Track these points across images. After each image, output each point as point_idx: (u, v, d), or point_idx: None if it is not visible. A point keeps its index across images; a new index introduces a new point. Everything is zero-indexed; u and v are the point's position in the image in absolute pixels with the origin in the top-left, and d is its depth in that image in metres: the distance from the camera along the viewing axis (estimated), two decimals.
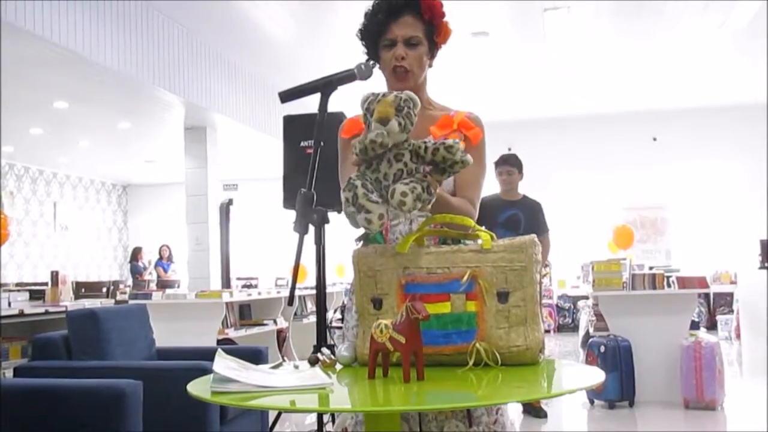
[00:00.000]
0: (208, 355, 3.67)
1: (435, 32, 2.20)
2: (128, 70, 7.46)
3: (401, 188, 1.73)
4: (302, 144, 3.98)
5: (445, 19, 2.21)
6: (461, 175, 2.02)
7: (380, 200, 1.78)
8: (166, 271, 14.50)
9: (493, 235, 1.83)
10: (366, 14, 2.21)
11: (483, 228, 1.85)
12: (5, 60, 7.10)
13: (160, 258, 14.73)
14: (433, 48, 2.23)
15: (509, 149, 13.17)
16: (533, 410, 5.78)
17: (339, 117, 3.47)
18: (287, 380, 1.65)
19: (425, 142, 1.79)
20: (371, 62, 2.23)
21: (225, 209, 10.04)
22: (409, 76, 2.17)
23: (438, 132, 2.12)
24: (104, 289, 9.35)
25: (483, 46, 9.03)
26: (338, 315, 8.18)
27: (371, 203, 1.76)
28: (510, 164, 5.89)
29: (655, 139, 13.22)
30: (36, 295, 5.92)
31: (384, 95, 1.82)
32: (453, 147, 1.77)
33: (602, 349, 6.09)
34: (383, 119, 1.76)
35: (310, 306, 8.72)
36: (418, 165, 1.79)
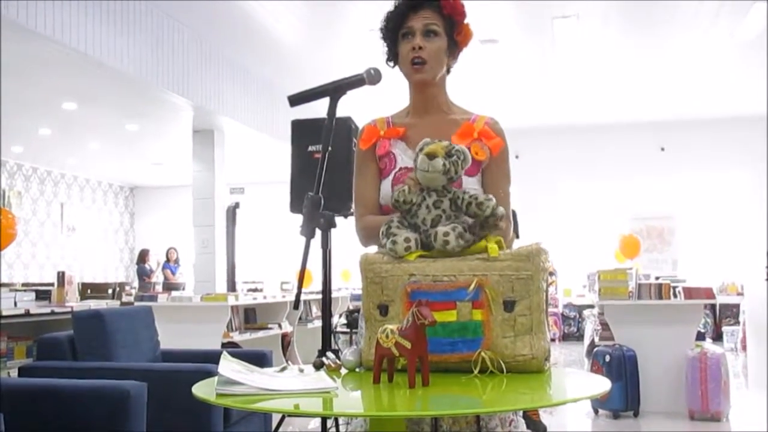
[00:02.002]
0: (213, 358, 3.69)
1: (455, 30, 2.18)
2: (137, 73, 7.49)
3: (443, 229, 1.80)
4: (310, 148, 3.97)
5: (466, 21, 2.21)
6: (488, 189, 2.05)
7: (410, 229, 1.85)
8: (173, 273, 14.51)
9: (501, 242, 1.83)
10: (387, 12, 2.21)
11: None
12: (15, 61, 7.14)
13: (168, 261, 14.74)
14: (453, 47, 2.21)
15: (516, 156, 13.26)
16: (532, 423, 5.76)
17: (347, 122, 3.48)
18: (292, 383, 1.65)
19: (464, 193, 1.85)
20: (393, 64, 2.22)
21: (232, 212, 10.06)
22: (426, 68, 2.15)
23: (459, 141, 2.06)
24: (110, 291, 9.35)
25: (492, 54, 9.03)
26: (343, 320, 8.18)
27: (399, 230, 1.84)
28: None
29: (663, 149, 13.19)
30: (42, 295, 5.93)
31: (440, 140, 1.89)
32: (483, 204, 1.82)
33: (607, 358, 6.08)
34: (431, 155, 1.82)
35: (315, 311, 8.72)
36: (458, 213, 1.84)
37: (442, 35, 2.16)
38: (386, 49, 2.24)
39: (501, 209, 1.83)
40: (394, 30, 2.19)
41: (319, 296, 2.30)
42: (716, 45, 9.15)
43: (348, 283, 12.30)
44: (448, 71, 2.26)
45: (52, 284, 7.11)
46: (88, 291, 8.41)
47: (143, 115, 10.01)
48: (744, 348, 10.25)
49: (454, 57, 2.24)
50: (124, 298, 7.66)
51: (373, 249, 2.24)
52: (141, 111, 9.71)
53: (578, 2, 7.82)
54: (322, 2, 7.87)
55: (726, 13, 8.06)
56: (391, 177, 2.16)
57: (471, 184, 2.07)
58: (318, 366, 1.86)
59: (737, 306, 11.71)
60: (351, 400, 1.66)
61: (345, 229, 2.52)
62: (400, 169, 2.16)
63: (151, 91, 8.17)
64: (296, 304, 2.16)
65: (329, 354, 1.90)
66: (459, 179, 1.95)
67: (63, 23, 6.40)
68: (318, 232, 2.03)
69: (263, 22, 8.28)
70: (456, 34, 2.19)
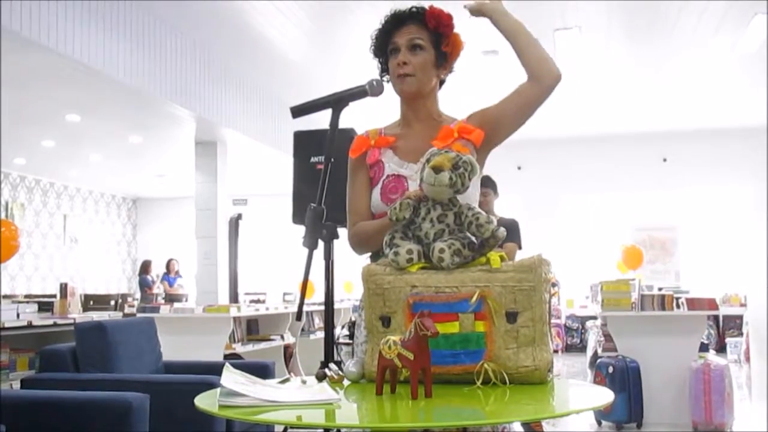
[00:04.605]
0: (215, 369, 3.68)
1: (442, 41, 2.20)
2: (140, 85, 7.51)
3: (439, 245, 1.79)
4: (312, 160, 3.98)
5: (455, 31, 2.22)
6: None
7: (412, 241, 1.84)
8: (171, 285, 14.50)
9: (503, 255, 1.83)
10: (375, 29, 2.25)
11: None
12: (19, 72, 7.17)
13: (168, 272, 14.73)
14: (442, 59, 2.23)
15: (519, 168, 13.30)
16: None
17: (350, 133, 3.48)
18: (295, 395, 1.65)
19: (468, 210, 1.84)
20: (385, 77, 2.25)
21: (234, 224, 10.05)
22: (412, 81, 2.19)
23: (439, 144, 2.10)
24: (112, 302, 9.36)
25: (493, 65, 9.05)
26: (345, 331, 8.17)
27: (402, 241, 1.84)
28: (485, 186, 5.89)
29: (665, 160, 13.19)
30: (45, 306, 5.93)
31: (447, 151, 1.86)
32: (483, 226, 1.81)
33: (610, 369, 6.06)
34: (437, 168, 1.80)
35: (318, 322, 8.71)
36: (461, 227, 1.83)
37: (428, 48, 2.19)
38: (379, 64, 2.29)
39: (502, 231, 1.82)
40: (382, 47, 2.24)
41: (322, 307, 2.29)
42: (717, 57, 9.17)
43: (350, 295, 12.28)
44: (442, 83, 2.29)
45: (54, 296, 7.12)
46: (91, 302, 8.43)
47: (146, 126, 10.03)
48: (748, 359, 10.22)
49: (446, 68, 2.27)
50: (127, 310, 7.67)
51: (365, 257, 2.26)
52: (144, 123, 9.73)
53: (580, 14, 7.85)
54: (325, 15, 7.92)
55: (727, 25, 8.08)
56: (379, 185, 2.21)
57: None
58: (320, 377, 1.85)
59: (740, 317, 11.67)
60: (354, 412, 1.66)
61: (347, 240, 2.53)
62: (388, 176, 2.21)
63: (154, 103, 8.20)
64: (299, 316, 2.15)
65: (332, 365, 1.90)
66: None
67: (67, 35, 6.43)
68: (320, 244, 2.03)
69: (267, 34, 8.31)
70: (444, 46, 2.22)
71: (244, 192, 14.29)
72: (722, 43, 8.66)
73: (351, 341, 6.50)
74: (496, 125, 2.21)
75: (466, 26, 2.27)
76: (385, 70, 2.28)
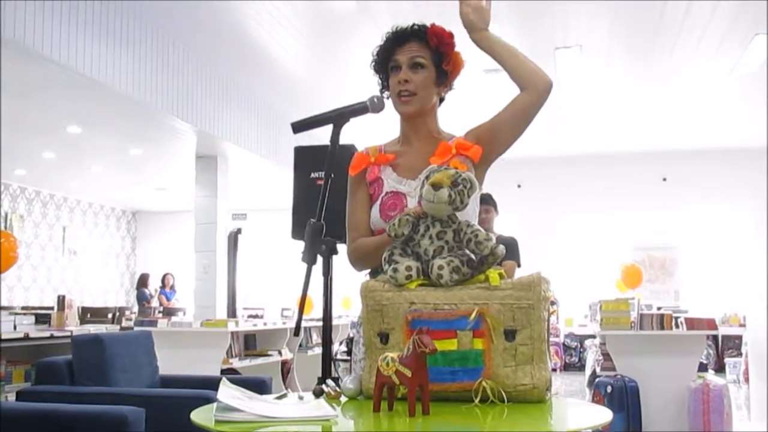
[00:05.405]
0: (212, 384, 3.66)
1: (443, 60, 2.21)
2: (142, 97, 7.53)
3: (438, 262, 1.79)
4: (312, 175, 3.98)
5: (456, 50, 2.23)
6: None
7: (412, 258, 1.83)
8: (168, 299, 14.47)
9: (502, 272, 1.82)
10: (377, 46, 2.25)
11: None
12: (21, 84, 7.19)
13: (163, 286, 14.71)
14: (443, 77, 2.24)
15: (519, 186, 13.31)
16: None
17: (350, 149, 3.48)
18: (292, 411, 1.64)
19: (467, 227, 1.83)
20: (385, 94, 2.25)
21: (233, 238, 10.06)
22: (413, 99, 2.20)
23: (437, 160, 2.10)
24: (110, 315, 9.33)
25: (495, 83, 9.06)
26: (343, 347, 8.15)
27: (401, 257, 1.83)
28: (487, 203, 5.90)
29: (665, 179, 13.22)
30: (42, 318, 5.93)
31: (446, 168, 1.86)
32: (482, 244, 1.80)
33: (609, 389, 6.03)
34: (436, 185, 1.80)
35: (316, 338, 8.69)
36: (460, 244, 1.82)
37: (429, 67, 2.20)
38: (379, 81, 2.30)
39: (501, 248, 1.82)
40: (383, 64, 2.25)
41: (320, 323, 2.28)
42: (718, 77, 9.20)
43: (349, 311, 12.26)
44: (441, 100, 2.30)
45: (52, 308, 7.10)
46: (88, 315, 8.39)
47: (147, 139, 10.05)
48: (747, 380, 10.17)
49: (446, 86, 2.28)
50: (124, 323, 7.64)
51: (364, 273, 2.25)
52: (145, 135, 9.75)
53: (581, 33, 7.88)
54: (327, 30, 7.95)
55: (727, 45, 8.12)
56: (379, 202, 2.22)
57: None
58: (318, 393, 1.85)
59: (740, 337, 11.64)
60: (350, 429, 1.65)
61: (346, 256, 2.53)
62: (387, 193, 2.21)
63: (155, 116, 8.22)
64: (296, 331, 2.15)
65: (329, 381, 1.89)
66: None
67: (69, 47, 6.45)
68: (319, 259, 2.03)
69: (269, 49, 8.34)
70: (444, 65, 2.22)
71: (244, 206, 14.29)
72: (722, 63, 8.69)
73: (349, 357, 6.49)
74: (492, 137, 2.22)
75: (467, 43, 2.28)
76: (385, 86, 2.28)
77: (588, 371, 9.88)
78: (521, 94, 2.21)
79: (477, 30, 2.21)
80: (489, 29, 2.23)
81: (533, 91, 2.20)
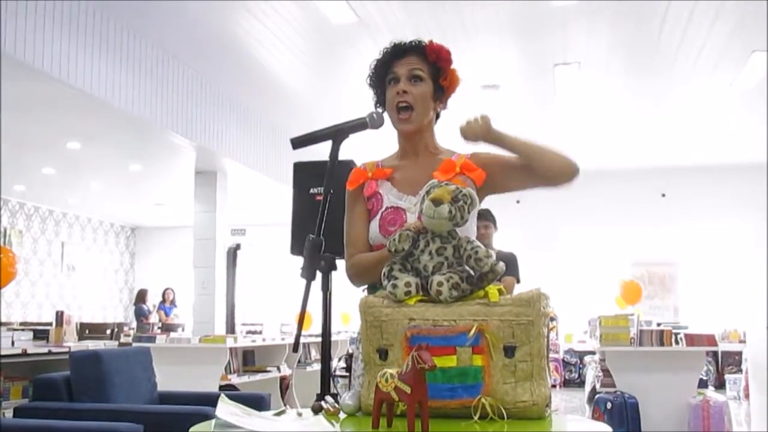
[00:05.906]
0: (210, 400, 3.65)
1: (441, 75, 2.23)
2: (141, 113, 7.55)
3: (438, 278, 1.79)
4: (312, 191, 3.99)
5: (453, 66, 2.25)
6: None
7: (411, 274, 1.83)
8: (167, 315, 14.43)
9: (502, 288, 1.82)
10: (374, 60, 2.26)
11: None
12: (21, 99, 7.20)
13: (163, 301, 14.68)
14: (440, 92, 2.25)
15: (517, 201, 13.30)
16: None
17: (349, 165, 3.48)
18: (290, 427, 1.63)
19: (467, 243, 1.83)
20: (382, 110, 2.26)
21: (232, 254, 10.04)
22: (411, 116, 2.21)
23: (441, 176, 2.10)
24: (108, 331, 9.30)
25: (493, 99, 9.11)
26: (342, 363, 8.11)
27: (400, 273, 1.83)
28: (486, 219, 5.91)
29: (663, 196, 13.22)
30: (40, 334, 5.91)
31: (447, 184, 1.86)
32: (482, 261, 1.80)
33: (609, 405, 6.02)
34: (437, 200, 1.80)
35: (315, 354, 8.66)
36: (460, 260, 1.82)
37: (428, 80, 2.22)
38: (375, 96, 2.30)
39: (501, 265, 1.82)
40: (380, 77, 2.26)
41: (319, 339, 2.27)
42: (716, 93, 9.23)
43: (348, 327, 12.23)
44: (437, 116, 2.30)
45: (50, 324, 7.08)
46: (86, 331, 8.36)
47: (146, 155, 10.07)
48: (747, 396, 10.14)
49: (442, 102, 2.29)
50: (123, 339, 7.62)
51: (363, 289, 2.25)
52: (144, 151, 9.77)
53: (580, 50, 7.91)
54: (326, 47, 7.98)
55: (726, 62, 8.15)
56: (378, 217, 2.21)
57: None
58: (316, 410, 1.84)
59: (740, 354, 11.61)
60: None
61: (345, 271, 2.53)
62: (386, 208, 2.21)
63: (154, 132, 8.24)
64: (295, 347, 2.14)
65: (328, 398, 1.89)
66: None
67: (69, 63, 6.47)
68: (318, 275, 2.03)
69: (268, 65, 8.37)
70: (442, 80, 2.24)
71: (243, 222, 14.29)
72: (721, 80, 8.72)
73: (348, 374, 6.46)
74: (500, 180, 2.24)
75: (466, 59, 2.29)
76: (380, 101, 2.28)
77: (588, 387, 9.84)
78: (547, 178, 2.24)
79: (482, 138, 2.21)
80: (498, 128, 2.23)
81: (554, 183, 2.28)
